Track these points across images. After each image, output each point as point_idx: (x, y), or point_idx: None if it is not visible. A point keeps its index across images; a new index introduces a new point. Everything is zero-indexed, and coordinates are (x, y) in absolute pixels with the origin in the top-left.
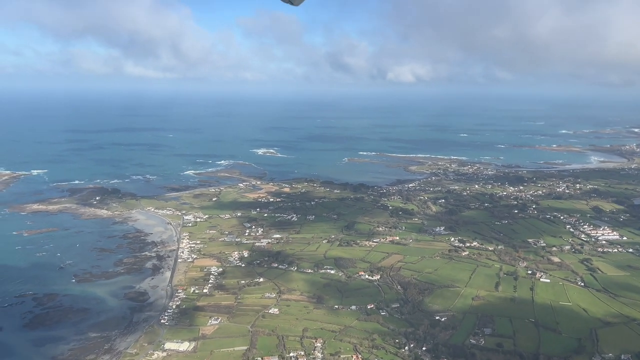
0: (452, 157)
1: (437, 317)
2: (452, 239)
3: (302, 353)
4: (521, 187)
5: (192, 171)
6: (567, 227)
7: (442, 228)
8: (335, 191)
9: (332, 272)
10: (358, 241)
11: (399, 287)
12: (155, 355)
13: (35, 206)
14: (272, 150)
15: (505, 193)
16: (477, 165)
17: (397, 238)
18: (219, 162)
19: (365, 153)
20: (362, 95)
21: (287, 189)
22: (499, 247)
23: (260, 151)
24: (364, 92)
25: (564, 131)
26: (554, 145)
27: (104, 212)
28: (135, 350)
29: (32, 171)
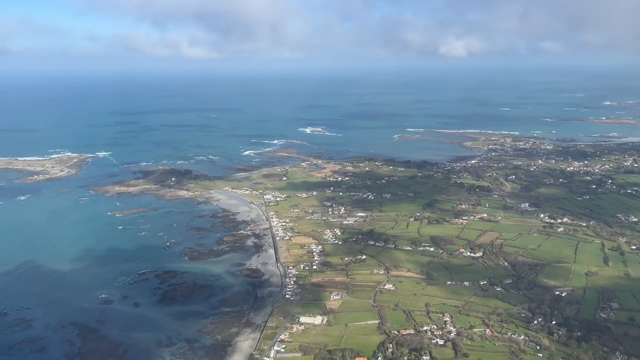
0: (504, 132)
1: (557, 292)
2: (542, 215)
3: (435, 327)
4: (586, 162)
5: (252, 151)
6: None
7: (527, 205)
8: (400, 169)
9: (432, 249)
10: (447, 219)
11: (505, 263)
12: (295, 328)
13: (117, 188)
14: (319, 129)
15: (572, 168)
16: (532, 140)
17: (485, 215)
18: (273, 142)
19: (413, 129)
20: (386, 70)
21: (350, 168)
22: (591, 222)
23: (308, 130)
24: (385, 67)
25: (607, 103)
26: (603, 118)
27: (184, 193)
28: (274, 324)
29: (97, 154)
